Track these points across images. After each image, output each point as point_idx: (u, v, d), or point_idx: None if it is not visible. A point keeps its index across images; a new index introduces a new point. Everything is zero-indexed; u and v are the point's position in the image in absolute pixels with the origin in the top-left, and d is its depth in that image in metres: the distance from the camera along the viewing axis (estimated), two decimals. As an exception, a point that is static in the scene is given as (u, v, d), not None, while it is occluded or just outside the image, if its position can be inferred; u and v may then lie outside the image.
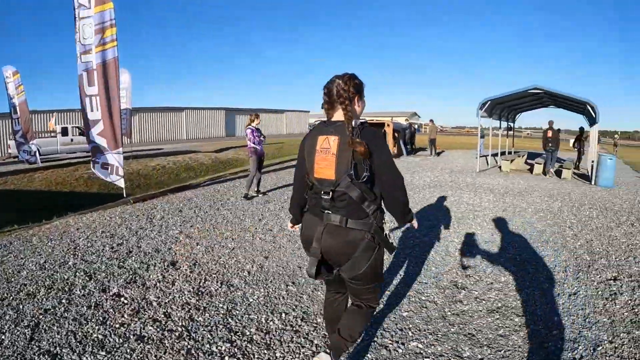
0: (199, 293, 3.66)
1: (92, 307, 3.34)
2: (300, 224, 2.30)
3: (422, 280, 4.07)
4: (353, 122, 1.96)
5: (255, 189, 8.23)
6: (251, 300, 3.53)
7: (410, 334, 3.02)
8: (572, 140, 26.06)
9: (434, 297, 3.68)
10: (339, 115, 2.05)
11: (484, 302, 3.61)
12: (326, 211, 2.03)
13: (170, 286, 3.80)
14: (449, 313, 3.39)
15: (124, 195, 7.67)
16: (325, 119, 2.18)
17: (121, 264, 4.38)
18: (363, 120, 2.11)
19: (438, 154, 20.73)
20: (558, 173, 13.46)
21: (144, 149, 19.36)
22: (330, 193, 1.98)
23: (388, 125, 18.70)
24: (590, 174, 12.75)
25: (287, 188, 9.34)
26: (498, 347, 2.87)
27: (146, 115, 31.37)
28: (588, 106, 11.87)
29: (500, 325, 3.19)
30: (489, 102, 13.61)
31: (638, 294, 3.83)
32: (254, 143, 7.73)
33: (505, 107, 17.00)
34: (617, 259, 4.83)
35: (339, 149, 1.95)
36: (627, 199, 9.06)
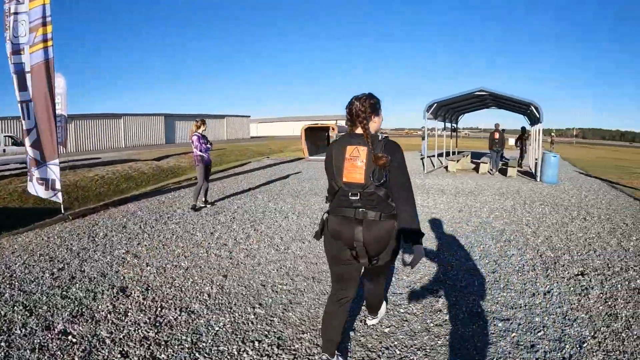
0: (157, 324, 3.34)
1: (37, 350, 2.91)
2: (325, 226, 2.57)
3: (397, 291, 4.04)
4: (379, 137, 2.43)
5: (203, 199, 8.00)
6: (217, 328, 3.28)
7: (398, 352, 2.95)
8: (512, 140, 27.95)
9: (412, 309, 3.65)
10: (360, 130, 2.45)
11: (463, 309, 3.64)
12: (361, 209, 2.39)
13: (123, 318, 3.44)
14: (432, 324, 3.37)
15: (62, 211, 7.13)
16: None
17: (64, 293, 3.93)
18: (386, 135, 2.46)
19: (382, 156, 21.27)
20: (503, 171, 14.38)
21: (81, 159, 18.19)
22: (359, 194, 2.38)
23: (333, 129, 18.91)
24: (534, 171, 13.67)
25: (235, 197, 9.11)
26: (489, 356, 2.88)
27: (82, 123, 30.43)
28: (532, 107, 12.78)
29: (485, 332, 3.22)
30: (435, 104, 14.23)
31: (607, 287, 4.08)
32: (200, 151, 7.51)
33: (449, 109, 17.87)
34: (579, 254, 5.14)
35: (368, 158, 2.37)
36: (573, 194, 9.80)
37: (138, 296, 3.87)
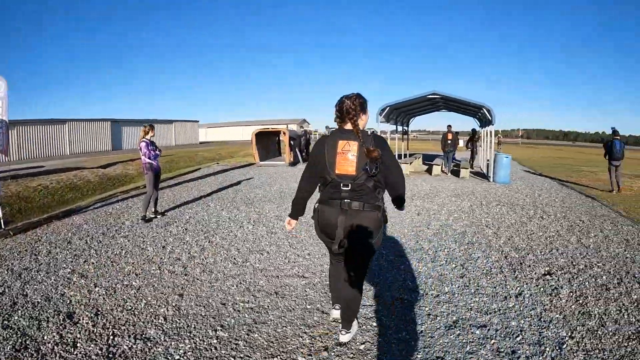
0: (110, 355, 3.00)
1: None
2: (316, 215, 2.90)
3: (365, 302, 3.92)
4: (369, 132, 2.80)
5: (153, 210, 7.66)
6: (177, 357, 2.99)
7: (377, 370, 2.84)
8: (462, 142, 29.13)
9: (385, 321, 3.56)
10: (349, 126, 2.78)
11: (438, 318, 3.60)
12: (346, 200, 2.72)
13: (72, 349, 3.07)
14: (408, 337, 3.29)
15: (2, 226, 6.63)
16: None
17: (5, 322, 3.48)
18: (373, 130, 2.66)
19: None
20: (455, 173, 14.93)
21: (24, 167, 16.90)
22: (350, 185, 2.71)
23: (284, 133, 18.80)
24: (486, 171, 14.23)
25: (186, 206, 8.74)
26: (472, 367, 2.83)
27: (25, 129, 28.54)
28: (484, 109, 13.35)
29: (464, 341, 3.19)
30: (388, 107, 14.51)
31: (575, 285, 4.22)
32: (149, 158, 7.21)
33: (401, 112, 18.29)
34: (542, 253, 5.32)
35: (359, 151, 2.69)
36: (527, 194, 10.27)
37: (87, 323, 3.52)
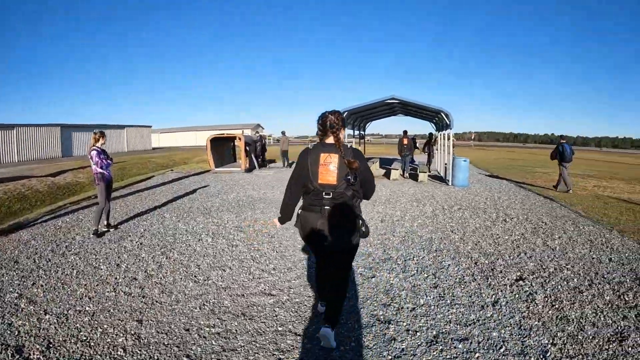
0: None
1: None
2: (299, 220, 3.24)
3: (341, 321, 3.81)
4: (348, 146, 3.14)
5: (105, 223, 7.25)
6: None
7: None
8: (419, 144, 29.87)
9: (364, 340, 3.46)
10: (331, 139, 3.14)
11: (418, 333, 3.54)
12: (326, 207, 3.06)
13: None
14: (390, 356, 3.20)
15: None
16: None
17: None
18: (351, 143, 2.75)
19: (290, 165, 21.42)
20: (413, 177, 15.24)
21: None
22: (331, 193, 3.05)
23: (239, 139, 18.52)
24: (444, 175, 14.58)
25: (140, 217, 8.32)
26: (460, 385, 2.78)
27: None
28: (442, 114, 13.70)
29: (447, 357, 3.15)
30: (347, 112, 14.57)
31: (548, 289, 4.32)
32: (101, 168, 6.85)
33: (358, 117, 18.48)
34: (511, 257, 5.44)
35: (339, 163, 3.03)
36: (487, 196, 10.59)
37: (38, 358, 3.19)
